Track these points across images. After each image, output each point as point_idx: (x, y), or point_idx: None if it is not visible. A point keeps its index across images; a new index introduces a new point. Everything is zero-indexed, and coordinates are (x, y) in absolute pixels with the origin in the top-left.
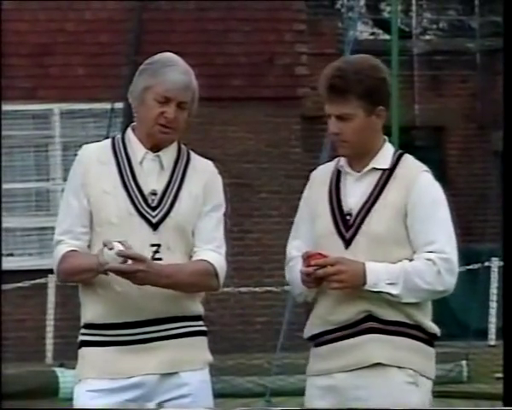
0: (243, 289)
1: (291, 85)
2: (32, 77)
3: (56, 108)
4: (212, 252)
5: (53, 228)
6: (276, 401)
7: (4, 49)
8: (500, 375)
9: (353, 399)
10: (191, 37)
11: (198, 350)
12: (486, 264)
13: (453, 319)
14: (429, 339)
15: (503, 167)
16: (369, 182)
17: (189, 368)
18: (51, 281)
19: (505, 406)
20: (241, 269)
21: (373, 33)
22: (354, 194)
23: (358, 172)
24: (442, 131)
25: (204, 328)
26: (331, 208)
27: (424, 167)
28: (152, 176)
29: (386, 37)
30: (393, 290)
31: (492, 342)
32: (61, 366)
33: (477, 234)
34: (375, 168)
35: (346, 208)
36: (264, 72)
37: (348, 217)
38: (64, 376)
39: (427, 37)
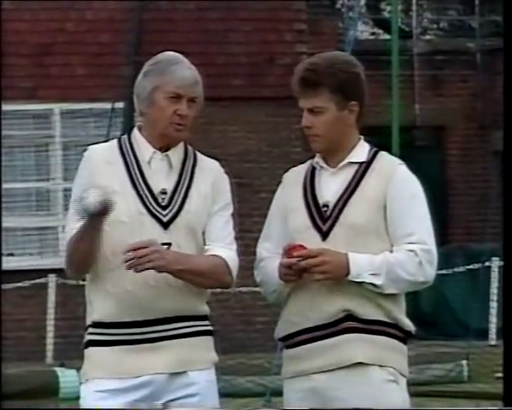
0: (243, 289)
1: (291, 85)
2: (32, 77)
3: (57, 107)
4: (223, 248)
5: (53, 228)
6: (276, 400)
7: (4, 48)
8: (500, 375)
9: (334, 399)
10: (191, 36)
11: (205, 350)
12: (487, 264)
13: (453, 318)
14: (404, 337)
15: (503, 167)
16: (346, 175)
17: (197, 368)
18: (51, 281)
19: (505, 406)
20: (241, 269)
21: (373, 33)
22: (330, 187)
23: (334, 167)
24: (442, 131)
25: (210, 328)
26: (306, 203)
27: (400, 161)
28: (160, 175)
29: (387, 36)
30: (376, 281)
31: (493, 342)
32: (62, 365)
33: (477, 234)
34: (351, 162)
35: (321, 201)
36: (264, 71)
37: (325, 208)
38: (64, 376)
39: (428, 36)
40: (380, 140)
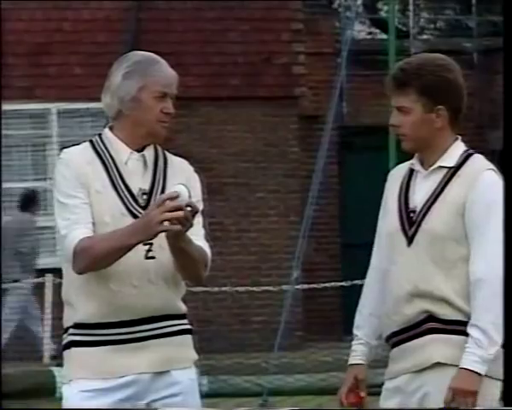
0: (240, 289)
1: (288, 85)
2: (29, 76)
3: (54, 107)
4: (200, 242)
5: (50, 227)
6: (273, 400)
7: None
8: None
9: (416, 398)
10: (188, 36)
11: (187, 348)
12: None
13: None
14: None
15: (502, 167)
16: (435, 180)
17: (180, 366)
18: (48, 280)
19: (505, 406)
20: (238, 268)
21: (370, 33)
22: (420, 191)
23: (426, 170)
24: None
25: (190, 326)
26: (398, 205)
27: (490, 166)
28: (137, 176)
29: (384, 36)
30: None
31: None
32: (59, 365)
33: None
34: (441, 166)
35: (411, 206)
36: (261, 71)
37: (412, 214)
38: (61, 375)
39: (425, 36)
40: (378, 139)
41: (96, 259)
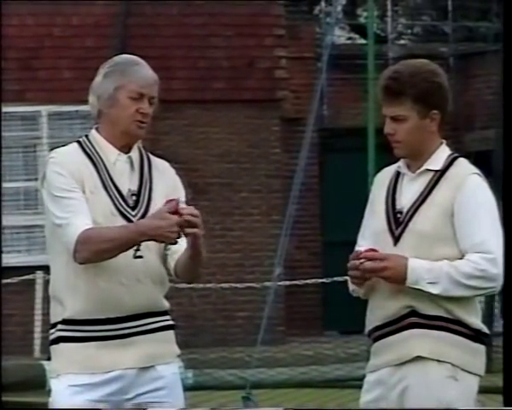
0: (225, 285)
1: (271, 88)
2: (20, 80)
3: (44, 109)
4: None
5: (41, 226)
6: (256, 393)
7: None
8: None
9: (396, 390)
10: (175, 41)
11: (170, 344)
12: None
13: None
14: (474, 335)
15: (503, 167)
16: (422, 182)
17: (164, 361)
18: (39, 277)
19: (505, 405)
20: (222, 266)
21: (350, 38)
22: (407, 193)
23: (413, 173)
24: None
25: (172, 322)
26: (386, 206)
27: (475, 170)
28: (125, 177)
29: (363, 41)
30: (433, 290)
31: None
32: (49, 359)
33: None
34: (428, 169)
35: (398, 207)
36: (244, 75)
37: (399, 215)
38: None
39: (402, 41)
40: (357, 141)
41: (101, 252)
